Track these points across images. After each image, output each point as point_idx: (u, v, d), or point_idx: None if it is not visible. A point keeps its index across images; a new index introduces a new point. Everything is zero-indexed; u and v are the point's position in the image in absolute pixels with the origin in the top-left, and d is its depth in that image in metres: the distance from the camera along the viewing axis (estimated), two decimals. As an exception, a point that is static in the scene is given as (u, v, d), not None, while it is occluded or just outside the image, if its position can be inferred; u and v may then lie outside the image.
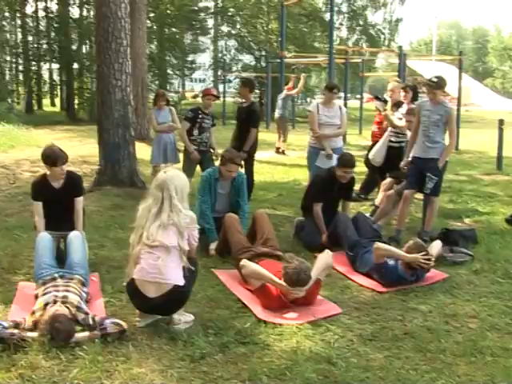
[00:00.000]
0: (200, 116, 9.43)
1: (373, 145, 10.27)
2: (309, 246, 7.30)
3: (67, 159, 6.33)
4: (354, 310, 5.50)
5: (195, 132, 9.35)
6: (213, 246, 7.04)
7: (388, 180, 9.27)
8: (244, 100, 9.93)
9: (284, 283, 5.33)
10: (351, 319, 5.23)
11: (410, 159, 7.92)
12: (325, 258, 5.83)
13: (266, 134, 20.48)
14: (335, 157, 8.41)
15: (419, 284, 6.18)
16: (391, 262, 6.13)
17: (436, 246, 6.64)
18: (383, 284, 6.10)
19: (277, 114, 18.63)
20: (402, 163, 8.10)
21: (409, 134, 8.57)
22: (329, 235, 7.33)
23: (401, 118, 9.57)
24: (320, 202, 7.57)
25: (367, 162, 10.28)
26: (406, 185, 7.86)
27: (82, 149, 16.60)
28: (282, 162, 15.75)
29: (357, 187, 9.46)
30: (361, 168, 10.56)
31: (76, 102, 35.65)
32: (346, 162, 7.51)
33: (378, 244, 6.26)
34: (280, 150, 17.92)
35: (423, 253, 6.09)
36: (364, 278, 6.42)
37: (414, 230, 8.16)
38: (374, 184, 10.47)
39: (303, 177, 12.15)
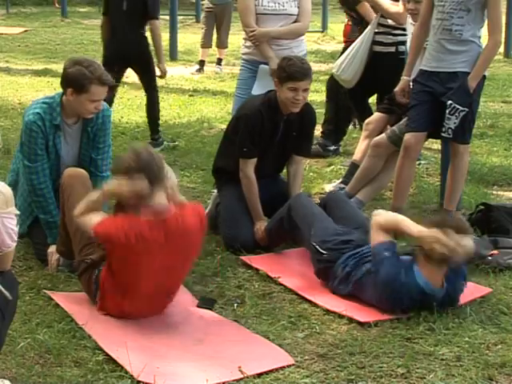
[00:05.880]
0: None
1: (345, 50, 7.54)
2: (230, 244, 4.85)
3: None
4: (317, 358, 3.70)
5: None
6: (53, 248, 4.75)
7: (375, 116, 6.81)
8: None
9: None
10: (311, 377, 3.51)
11: (414, 76, 5.91)
12: None
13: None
14: None
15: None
16: (403, 272, 4.04)
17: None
18: (388, 308, 4.09)
19: None
20: (399, 84, 5.96)
21: (411, 28, 6.70)
22: (270, 226, 4.84)
23: (397, 0, 7.21)
24: (250, 157, 4.98)
25: (333, 83, 7.55)
26: (409, 124, 5.72)
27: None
28: (179, 87, 10.83)
29: (317, 131, 6.72)
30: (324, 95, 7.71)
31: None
32: (295, 68, 4.87)
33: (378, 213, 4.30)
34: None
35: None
36: (334, 296, 4.34)
37: (426, 208, 6.03)
38: (347, 123, 7.88)
39: (219, 113, 8.86)
